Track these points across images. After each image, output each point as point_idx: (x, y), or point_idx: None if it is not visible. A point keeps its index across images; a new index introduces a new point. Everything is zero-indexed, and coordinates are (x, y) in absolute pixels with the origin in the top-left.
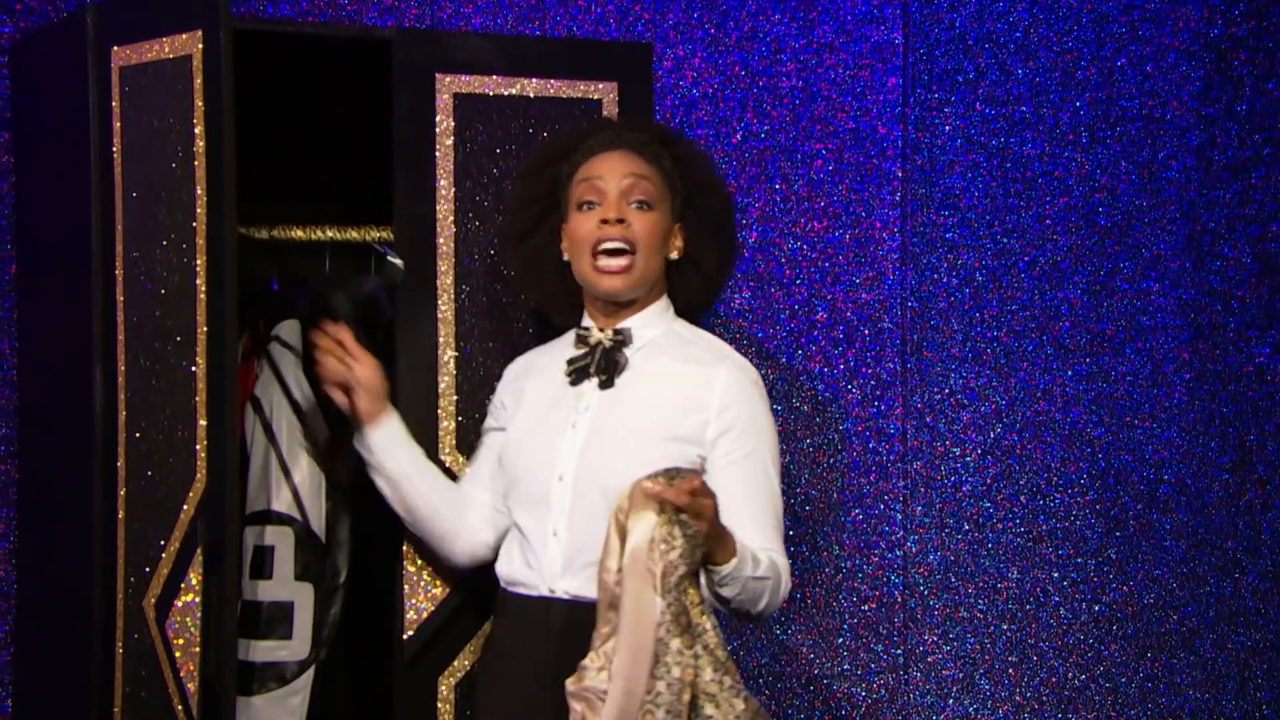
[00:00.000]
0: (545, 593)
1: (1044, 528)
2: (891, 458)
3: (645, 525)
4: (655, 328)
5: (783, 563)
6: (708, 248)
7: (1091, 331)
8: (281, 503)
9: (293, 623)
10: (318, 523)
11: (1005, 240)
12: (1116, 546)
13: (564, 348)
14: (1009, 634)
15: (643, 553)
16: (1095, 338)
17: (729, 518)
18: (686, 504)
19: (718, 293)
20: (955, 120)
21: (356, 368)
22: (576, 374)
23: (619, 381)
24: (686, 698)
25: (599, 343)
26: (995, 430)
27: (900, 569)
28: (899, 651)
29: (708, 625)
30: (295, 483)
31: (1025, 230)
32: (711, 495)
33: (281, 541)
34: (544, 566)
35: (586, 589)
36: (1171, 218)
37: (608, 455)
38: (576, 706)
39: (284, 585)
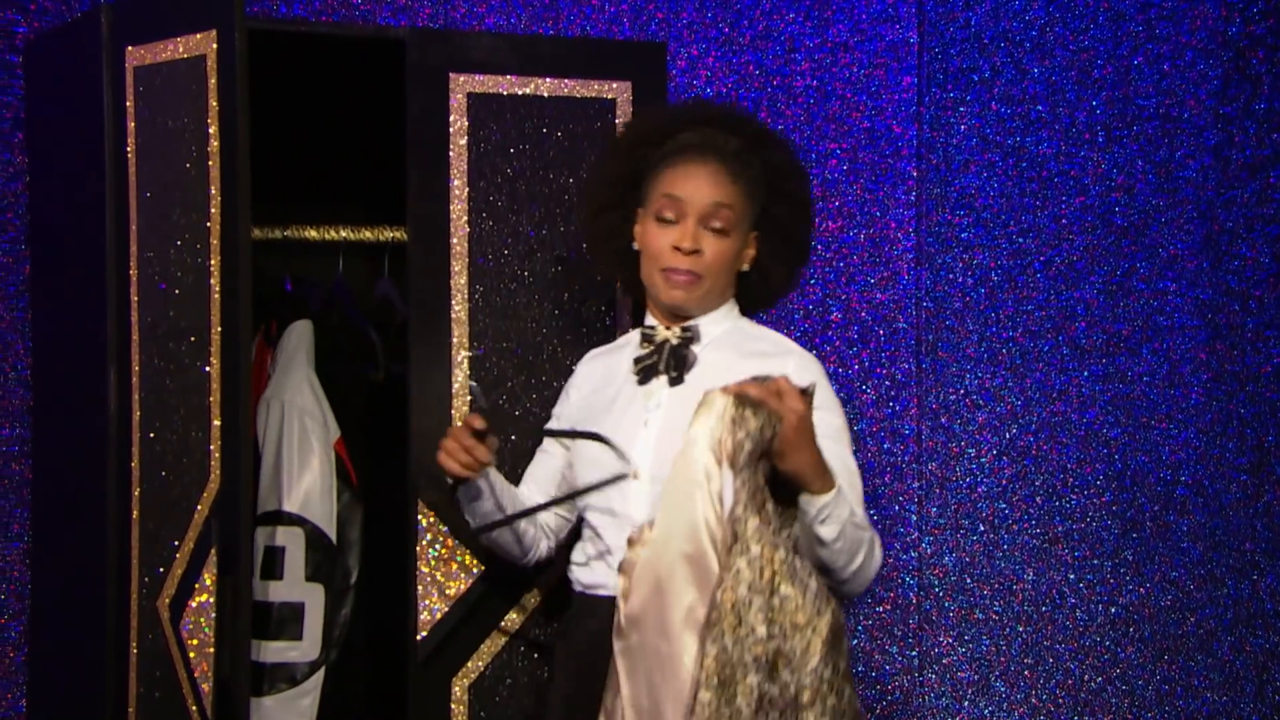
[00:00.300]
0: None
1: (1060, 529)
2: (906, 458)
3: (715, 407)
4: (721, 325)
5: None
6: (778, 259)
7: (1108, 332)
8: (292, 503)
9: (303, 623)
10: (328, 523)
11: (1021, 240)
12: (1133, 548)
13: (628, 348)
14: (1025, 636)
15: (704, 430)
16: (1111, 338)
17: None
18: (764, 398)
19: (775, 300)
20: (970, 119)
21: (483, 454)
22: (644, 372)
23: (688, 378)
24: (769, 574)
25: (665, 340)
26: (1011, 431)
27: (915, 570)
28: (914, 654)
29: (771, 510)
30: (306, 484)
31: (1041, 230)
32: (802, 401)
33: (292, 542)
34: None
35: None
36: (1189, 217)
37: None
38: (621, 581)
39: (295, 586)
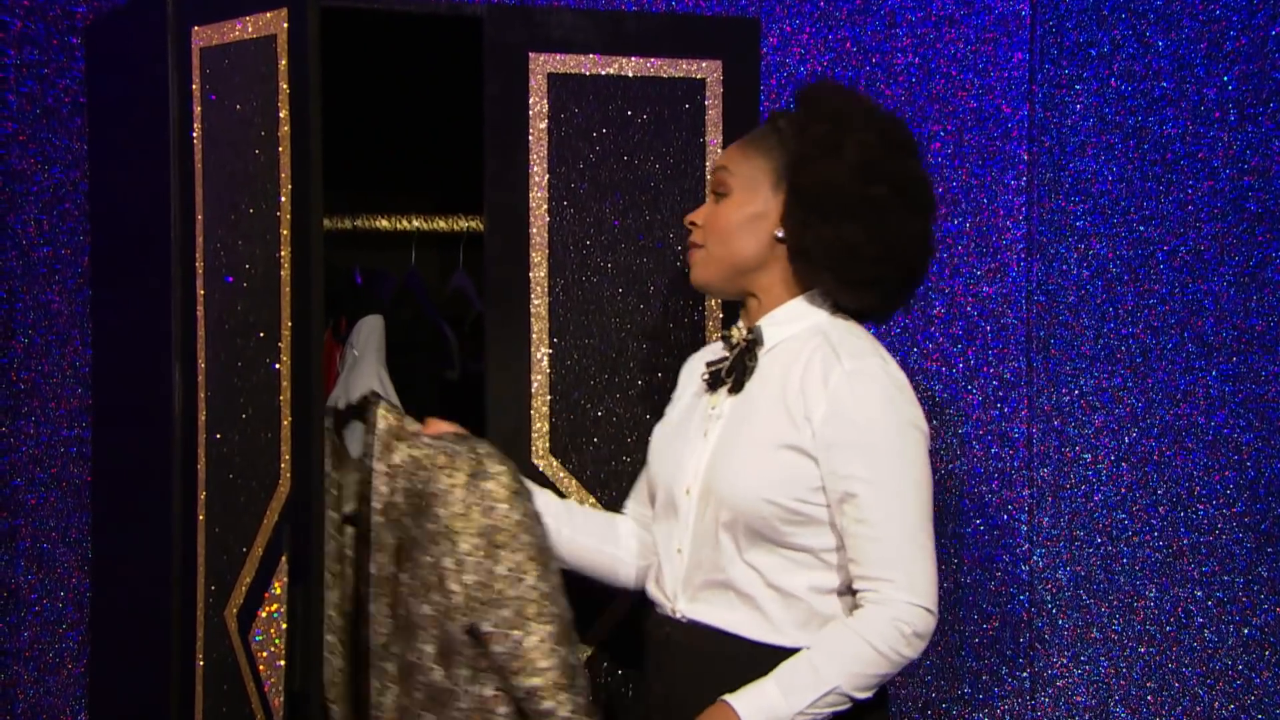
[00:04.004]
0: (669, 612)
1: (1186, 542)
2: (1016, 464)
3: None
4: (789, 326)
5: (892, 596)
6: (807, 231)
7: (1239, 328)
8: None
9: None
10: None
11: (1142, 228)
12: (1269, 563)
13: (717, 349)
14: (1147, 658)
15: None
16: (1243, 334)
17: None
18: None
19: (855, 287)
20: (1088, 98)
21: None
22: (710, 379)
23: (750, 387)
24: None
25: (738, 344)
26: (1131, 435)
27: (1026, 585)
28: (1025, 675)
29: None
30: None
31: (1165, 217)
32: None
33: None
34: (667, 585)
35: (701, 613)
36: None
37: (729, 469)
38: None
39: None
